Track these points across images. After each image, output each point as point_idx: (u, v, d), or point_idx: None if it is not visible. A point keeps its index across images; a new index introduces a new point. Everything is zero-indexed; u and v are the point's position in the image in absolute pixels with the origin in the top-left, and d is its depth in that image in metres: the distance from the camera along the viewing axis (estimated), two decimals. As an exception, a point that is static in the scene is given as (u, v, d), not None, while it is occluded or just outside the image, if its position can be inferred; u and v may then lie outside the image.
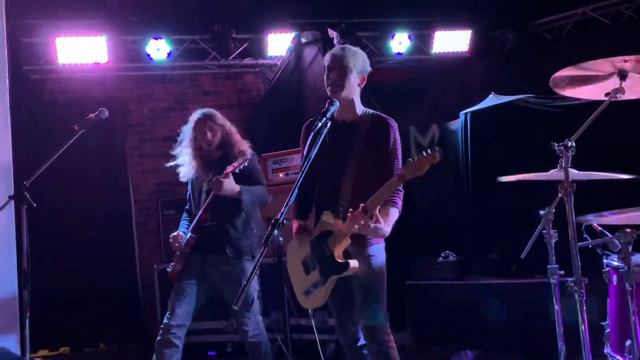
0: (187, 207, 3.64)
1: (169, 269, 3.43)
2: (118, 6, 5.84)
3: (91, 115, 3.32)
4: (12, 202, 3.13)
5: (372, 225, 2.44)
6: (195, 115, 3.51)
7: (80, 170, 5.89)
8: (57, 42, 5.86)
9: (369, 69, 2.74)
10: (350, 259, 2.59)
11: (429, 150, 2.38)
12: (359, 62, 2.67)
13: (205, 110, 3.55)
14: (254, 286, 3.43)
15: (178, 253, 3.39)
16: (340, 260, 2.57)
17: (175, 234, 3.44)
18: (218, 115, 3.54)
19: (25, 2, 5.09)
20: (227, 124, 3.54)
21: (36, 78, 6.18)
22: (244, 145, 3.50)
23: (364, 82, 2.73)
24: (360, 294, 2.64)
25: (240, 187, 3.28)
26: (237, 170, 3.26)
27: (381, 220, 2.46)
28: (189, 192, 3.62)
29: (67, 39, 5.88)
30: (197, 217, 3.38)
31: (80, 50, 5.92)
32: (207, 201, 3.32)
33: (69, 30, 5.91)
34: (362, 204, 2.45)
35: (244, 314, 3.33)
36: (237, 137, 3.52)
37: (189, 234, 3.39)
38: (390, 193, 2.50)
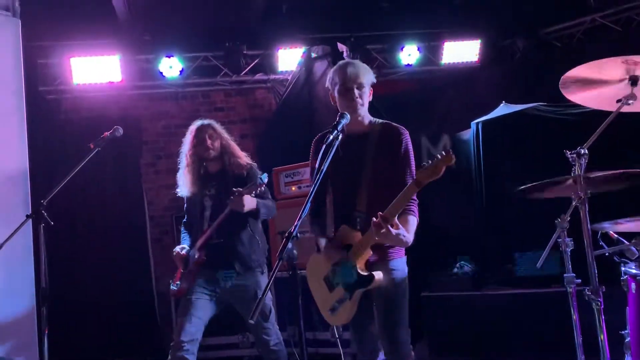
0: (185, 220, 3.62)
1: (174, 287, 3.39)
2: (131, 26, 5.94)
3: (106, 133, 3.36)
4: (30, 220, 3.17)
5: (394, 232, 2.41)
6: (195, 125, 3.52)
7: (96, 187, 5.96)
8: (72, 63, 5.98)
9: (374, 79, 2.76)
10: (373, 269, 2.57)
11: (442, 152, 2.36)
12: (368, 75, 2.71)
13: (205, 120, 3.55)
14: (268, 295, 3.42)
15: (183, 271, 3.37)
16: (364, 273, 2.55)
17: (181, 252, 3.39)
18: (217, 125, 3.54)
19: (41, 24, 5.21)
20: (226, 136, 3.52)
21: (51, 98, 6.31)
22: (244, 158, 3.49)
23: (371, 94, 2.76)
24: (382, 308, 2.61)
25: (257, 202, 3.29)
26: (253, 195, 3.23)
27: (401, 227, 2.44)
28: (185, 205, 3.60)
29: (82, 59, 6.00)
30: (205, 235, 3.35)
31: (95, 69, 6.04)
32: (220, 218, 3.31)
33: (83, 51, 6.04)
34: (381, 213, 2.42)
35: (264, 324, 3.33)
36: (236, 149, 3.51)
37: (197, 252, 3.36)
38: (408, 200, 2.47)
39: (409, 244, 2.53)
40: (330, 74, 2.75)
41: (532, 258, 4.44)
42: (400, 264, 2.68)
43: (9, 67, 4.30)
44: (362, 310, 2.64)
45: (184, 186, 3.51)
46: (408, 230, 2.51)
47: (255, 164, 3.53)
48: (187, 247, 3.45)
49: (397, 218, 2.48)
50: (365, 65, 2.74)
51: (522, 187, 2.65)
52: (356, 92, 2.65)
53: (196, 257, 3.35)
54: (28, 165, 4.34)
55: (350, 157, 2.67)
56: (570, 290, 2.62)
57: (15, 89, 4.32)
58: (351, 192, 2.67)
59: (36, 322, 4.08)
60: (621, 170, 2.40)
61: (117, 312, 5.70)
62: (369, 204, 2.60)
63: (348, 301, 2.59)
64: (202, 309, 3.30)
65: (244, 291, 3.35)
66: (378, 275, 2.54)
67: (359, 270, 2.55)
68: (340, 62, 2.77)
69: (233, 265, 3.34)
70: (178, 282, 3.39)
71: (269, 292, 3.44)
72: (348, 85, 2.65)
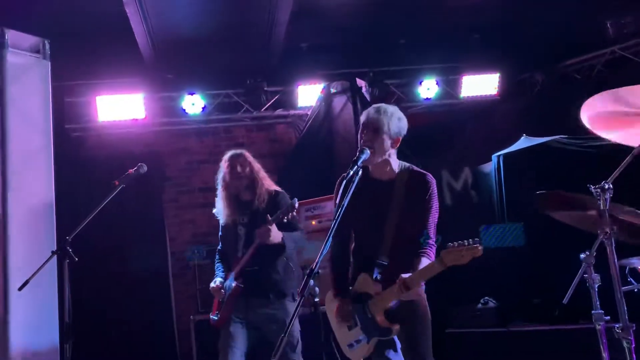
0: (219, 247, 3.67)
1: (214, 317, 3.43)
2: (155, 65, 6.11)
3: (130, 170, 3.41)
4: (55, 256, 3.22)
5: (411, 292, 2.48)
6: (227, 155, 3.61)
7: (119, 222, 6.01)
8: (98, 101, 6.14)
9: (404, 130, 2.71)
10: (393, 317, 2.58)
11: (470, 241, 2.34)
12: (393, 124, 2.65)
13: (236, 150, 3.65)
14: (297, 326, 3.40)
15: (221, 300, 3.42)
16: (383, 325, 2.58)
17: (215, 285, 3.45)
18: (248, 154, 3.63)
19: (69, 64, 5.38)
20: (257, 165, 3.60)
21: (77, 135, 6.46)
22: (273, 185, 3.56)
23: (398, 143, 2.70)
24: (406, 342, 2.63)
25: (283, 235, 3.30)
26: (284, 220, 3.26)
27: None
28: (220, 233, 3.65)
29: (107, 97, 6.17)
30: (240, 264, 3.39)
31: (119, 107, 6.20)
32: (250, 250, 3.35)
33: (109, 89, 6.22)
34: (404, 280, 2.45)
35: (290, 356, 3.31)
36: (265, 178, 3.57)
37: (233, 282, 3.39)
38: (431, 275, 2.47)
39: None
40: None
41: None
42: (419, 296, 2.68)
43: (38, 107, 4.43)
44: (385, 344, 2.65)
45: (220, 213, 3.60)
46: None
47: (282, 191, 3.57)
48: (221, 279, 3.49)
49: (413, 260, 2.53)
50: (395, 113, 2.68)
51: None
52: (369, 133, 2.63)
53: (233, 286, 3.38)
54: (54, 202, 4.41)
55: (375, 204, 2.68)
56: (599, 327, 2.55)
57: (43, 128, 4.45)
58: (374, 239, 2.67)
59: (59, 358, 4.09)
60: None
61: (138, 349, 5.69)
62: (391, 254, 2.63)
63: (365, 343, 2.64)
64: (241, 339, 3.36)
65: (274, 320, 3.37)
66: (396, 327, 2.58)
67: (379, 322, 2.59)
68: (374, 105, 2.75)
69: (267, 295, 3.38)
70: (217, 312, 3.44)
71: (298, 323, 3.43)
72: (364, 126, 2.67)
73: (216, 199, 3.63)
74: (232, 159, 3.55)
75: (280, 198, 3.50)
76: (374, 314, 2.59)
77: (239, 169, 3.50)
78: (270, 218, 3.22)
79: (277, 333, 3.30)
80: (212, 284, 3.49)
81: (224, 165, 3.59)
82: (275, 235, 3.25)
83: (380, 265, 2.63)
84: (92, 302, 5.65)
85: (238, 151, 3.62)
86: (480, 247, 2.32)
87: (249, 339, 3.40)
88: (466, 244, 2.33)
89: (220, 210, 3.59)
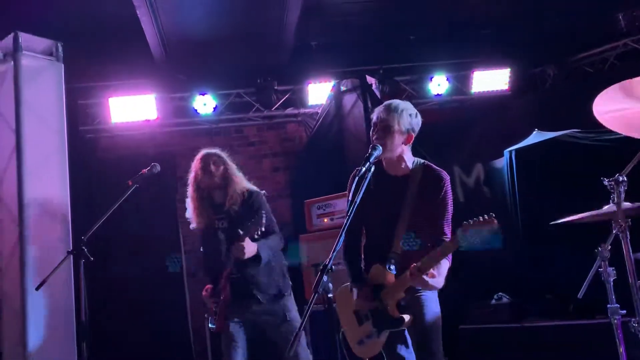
0: (202, 250, 3.61)
1: (212, 326, 3.40)
2: (166, 66, 6.15)
3: (144, 170, 3.44)
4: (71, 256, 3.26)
5: (430, 282, 2.47)
6: (200, 154, 3.50)
7: (133, 222, 6.06)
8: (110, 102, 6.20)
9: (418, 126, 2.70)
10: (404, 311, 2.60)
11: (485, 216, 2.34)
12: (404, 120, 2.64)
13: (211, 148, 3.53)
14: (298, 319, 3.37)
15: (215, 309, 3.39)
16: (395, 316, 2.58)
17: (207, 293, 3.43)
18: (224, 153, 3.51)
19: (82, 67, 5.44)
20: (232, 165, 3.47)
21: (91, 137, 6.53)
22: (247, 185, 3.43)
23: (411, 140, 2.70)
24: (416, 344, 2.64)
25: (257, 246, 3.19)
26: (255, 236, 3.15)
27: (435, 274, 2.48)
28: (199, 235, 3.58)
29: (119, 98, 6.23)
30: (225, 274, 3.34)
31: (132, 108, 6.26)
32: (229, 268, 3.31)
33: (121, 91, 6.28)
34: (415, 264, 2.46)
35: (295, 350, 3.31)
36: (239, 177, 3.44)
37: (222, 292, 3.35)
38: (445, 256, 2.49)
39: (440, 287, 2.57)
40: None
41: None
42: (430, 299, 2.69)
43: (52, 109, 4.49)
44: (396, 342, 2.67)
45: (193, 218, 3.48)
46: (440, 273, 2.52)
47: (257, 190, 3.45)
48: (211, 286, 3.45)
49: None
50: (406, 109, 2.67)
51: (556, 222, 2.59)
52: (380, 132, 2.64)
53: (222, 297, 3.36)
54: (69, 202, 4.47)
55: (389, 198, 2.69)
56: (615, 322, 2.54)
57: (58, 129, 4.51)
58: (387, 233, 2.68)
59: (76, 358, 4.14)
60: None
61: (154, 346, 5.73)
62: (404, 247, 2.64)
63: (376, 338, 2.65)
64: (241, 337, 3.35)
65: (273, 315, 3.37)
66: (407, 317, 2.59)
67: (390, 312, 2.60)
68: (385, 102, 2.75)
69: (256, 296, 3.35)
70: (214, 319, 3.41)
71: (298, 316, 3.42)
72: (374, 124, 2.68)
73: (186, 200, 3.50)
74: (206, 157, 3.43)
75: (254, 198, 3.37)
76: (386, 304, 2.60)
77: (212, 167, 3.38)
78: (241, 233, 3.09)
79: (276, 328, 3.35)
80: (204, 292, 3.45)
81: (196, 163, 3.46)
82: (250, 249, 3.14)
83: (394, 257, 2.64)
84: (107, 301, 5.71)
85: (212, 150, 3.49)
86: (496, 221, 2.31)
87: (248, 336, 3.39)
88: (481, 219, 2.34)
89: (190, 212, 3.47)
